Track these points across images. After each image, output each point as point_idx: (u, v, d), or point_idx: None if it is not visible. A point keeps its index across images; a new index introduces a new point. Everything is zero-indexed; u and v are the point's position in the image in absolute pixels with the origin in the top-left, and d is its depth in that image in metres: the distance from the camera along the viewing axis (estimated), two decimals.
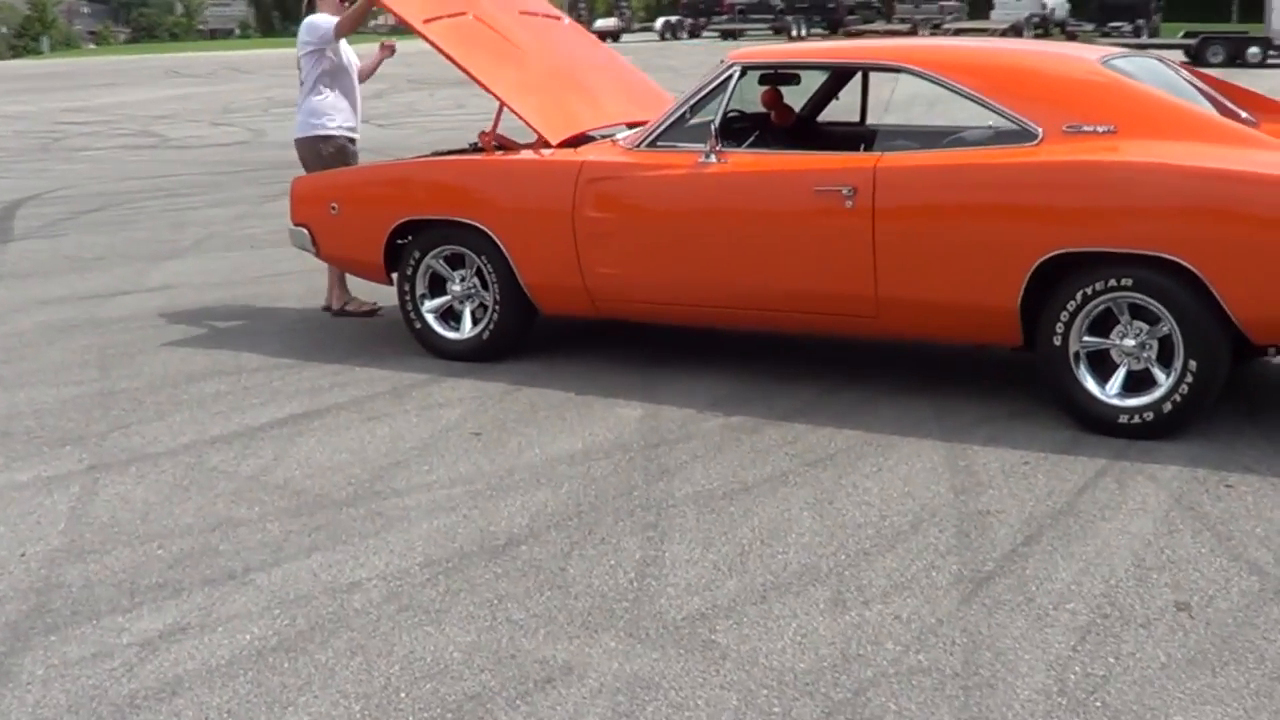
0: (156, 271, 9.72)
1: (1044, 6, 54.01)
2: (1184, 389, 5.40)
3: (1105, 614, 3.99)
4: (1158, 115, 5.62)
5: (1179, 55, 33.47)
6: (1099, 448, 5.41)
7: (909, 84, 6.35)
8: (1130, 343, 5.50)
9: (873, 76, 7.04)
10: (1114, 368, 5.58)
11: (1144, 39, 43.95)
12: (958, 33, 50.27)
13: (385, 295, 7.83)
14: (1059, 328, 5.57)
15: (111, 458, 5.61)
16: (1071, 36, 49.94)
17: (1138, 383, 5.55)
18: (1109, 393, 5.56)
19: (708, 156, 6.24)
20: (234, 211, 12.51)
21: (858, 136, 6.93)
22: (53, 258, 10.38)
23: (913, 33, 51.89)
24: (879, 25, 54.48)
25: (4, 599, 4.28)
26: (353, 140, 7.89)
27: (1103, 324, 5.56)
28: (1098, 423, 5.57)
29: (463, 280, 6.96)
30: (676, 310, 6.52)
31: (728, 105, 6.38)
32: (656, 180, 6.37)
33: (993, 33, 49.99)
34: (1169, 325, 5.39)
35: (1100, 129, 5.57)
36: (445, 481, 5.25)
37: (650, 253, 6.38)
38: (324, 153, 7.75)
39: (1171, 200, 5.33)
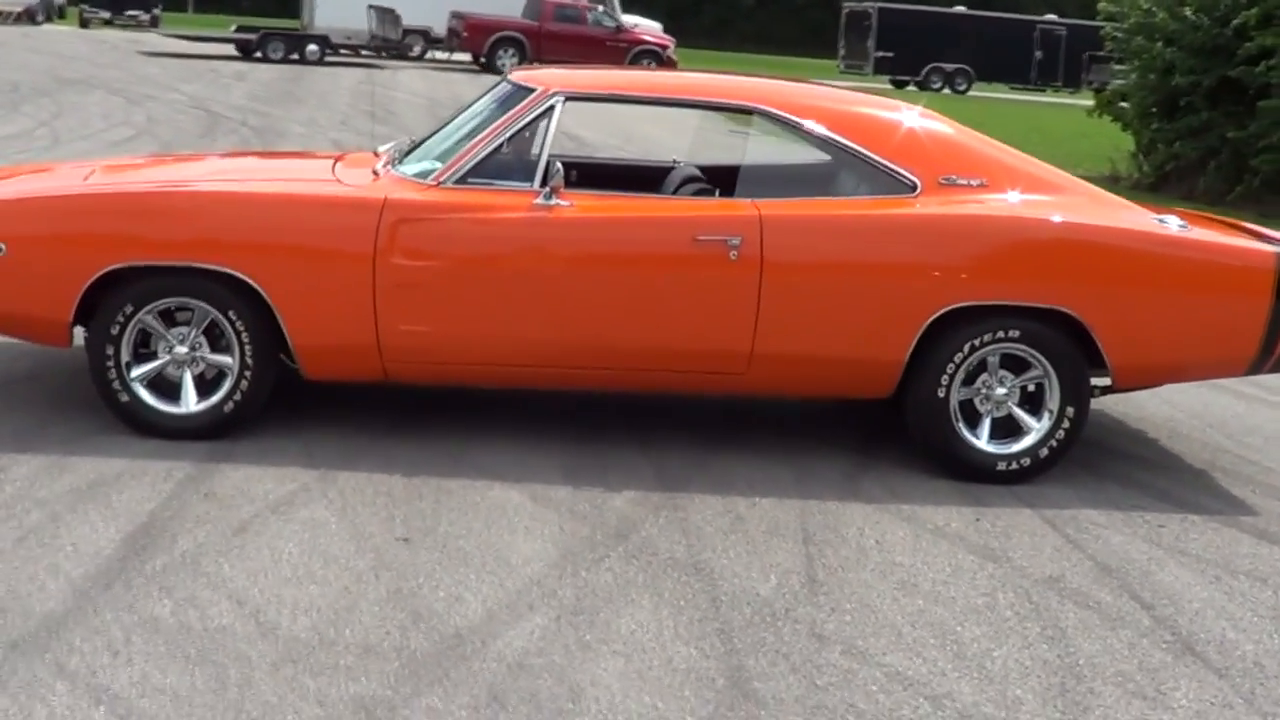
0: None
1: None
2: (1060, 434, 5.73)
3: None
4: (1014, 169, 5.88)
5: (231, 49, 32.34)
6: (997, 496, 5.62)
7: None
8: (1001, 391, 5.73)
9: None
10: (976, 416, 5.75)
11: (162, 30, 42.15)
12: None
13: None
14: (944, 380, 5.65)
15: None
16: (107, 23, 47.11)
17: (1000, 430, 5.77)
18: (984, 441, 5.72)
19: (547, 198, 5.51)
20: None
21: (687, 177, 6.46)
22: None
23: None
24: None
25: None
26: None
27: (971, 374, 5.72)
28: (973, 470, 5.75)
29: (183, 340, 5.54)
30: (498, 371, 5.70)
31: (552, 139, 5.68)
32: (488, 224, 5.52)
33: (6, 16, 46.06)
34: (1044, 373, 5.67)
35: (973, 182, 5.72)
36: (482, 612, 4.25)
37: (478, 307, 5.51)
38: None
39: (1067, 255, 5.64)
